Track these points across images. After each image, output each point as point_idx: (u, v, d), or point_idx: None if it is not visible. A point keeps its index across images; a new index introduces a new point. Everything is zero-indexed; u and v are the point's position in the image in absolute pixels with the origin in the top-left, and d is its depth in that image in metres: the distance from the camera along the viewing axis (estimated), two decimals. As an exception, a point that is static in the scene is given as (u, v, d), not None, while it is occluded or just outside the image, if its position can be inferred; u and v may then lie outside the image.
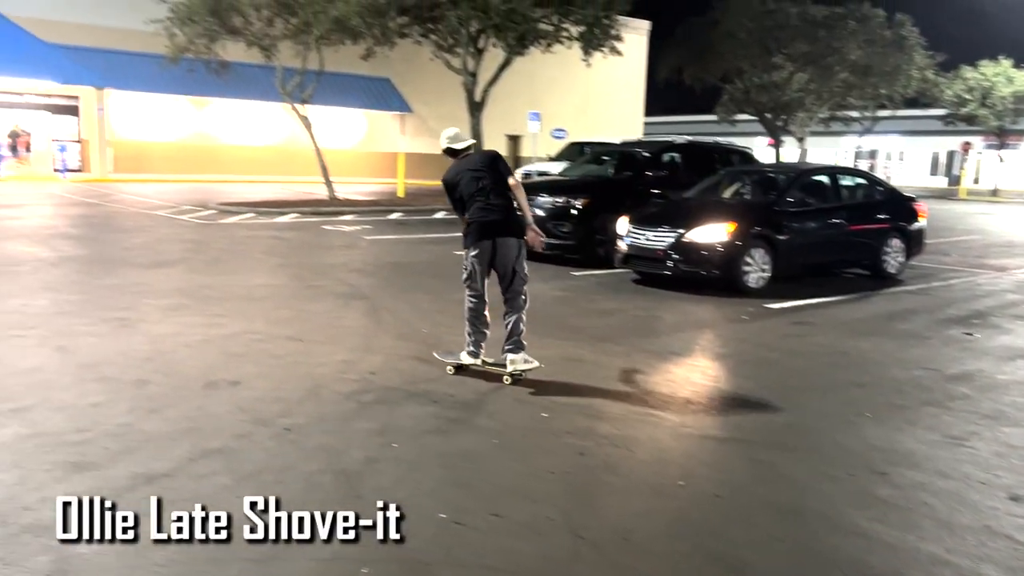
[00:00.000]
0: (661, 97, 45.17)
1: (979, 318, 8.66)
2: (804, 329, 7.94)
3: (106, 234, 13.66)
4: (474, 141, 5.69)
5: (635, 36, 39.55)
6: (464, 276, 5.80)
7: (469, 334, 5.84)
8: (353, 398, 5.17)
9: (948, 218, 23.03)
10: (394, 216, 18.73)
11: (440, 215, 19.34)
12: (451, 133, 5.98)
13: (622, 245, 10.17)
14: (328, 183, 21.60)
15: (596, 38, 23.29)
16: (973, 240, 17.52)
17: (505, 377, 5.65)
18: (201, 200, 20.23)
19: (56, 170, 27.44)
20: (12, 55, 26.41)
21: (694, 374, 6.18)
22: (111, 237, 13.24)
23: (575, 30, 23.56)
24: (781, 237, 9.76)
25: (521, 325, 5.73)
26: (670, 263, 9.60)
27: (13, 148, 27.98)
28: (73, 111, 28.95)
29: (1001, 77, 38.76)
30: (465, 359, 5.85)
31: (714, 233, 9.41)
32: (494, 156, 5.82)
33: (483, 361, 5.84)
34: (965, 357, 6.93)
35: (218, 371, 5.61)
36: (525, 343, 5.73)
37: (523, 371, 5.67)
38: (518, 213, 5.73)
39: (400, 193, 24.23)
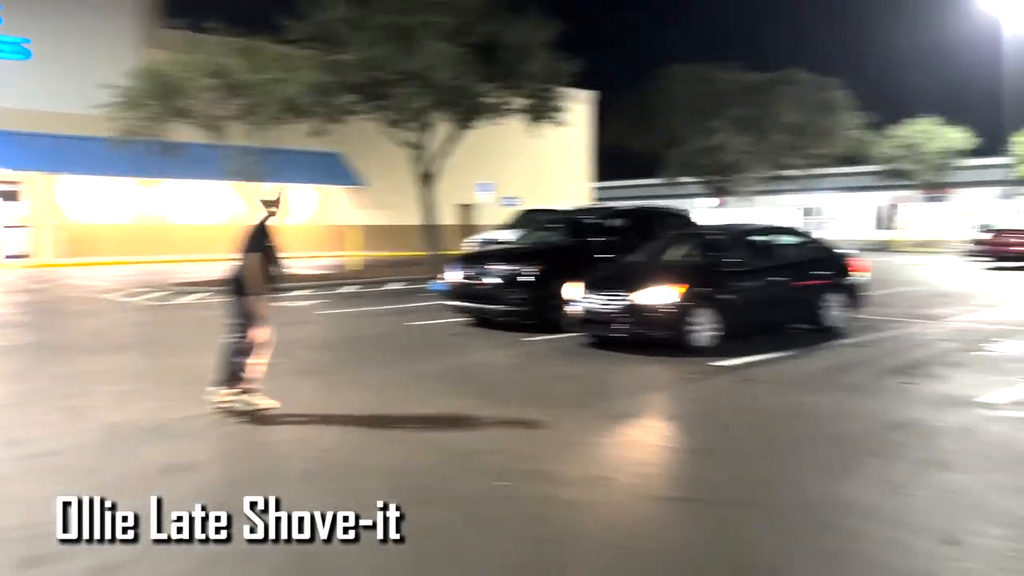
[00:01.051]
0: (611, 162, 46.45)
1: (916, 367, 9.01)
2: (750, 387, 8.16)
3: (54, 319, 13.49)
4: (275, 197, 7.25)
5: (581, 106, 40.77)
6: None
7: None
8: (310, 477, 5.21)
9: (888, 270, 23.80)
10: (347, 289, 18.80)
11: (392, 287, 19.46)
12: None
13: (570, 309, 10.41)
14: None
15: (539, 110, 24.05)
16: (911, 291, 18.15)
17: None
18: (153, 281, 20.07)
19: (8, 256, 26.99)
20: (-44, 143, 26.28)
21: (648, 435, 6.34)
22: (59, 322, 13.07)
23: (519, 103, 24.28)
24: (724, 296, 10.07)
25: (239, 372, 6.65)
26: (621, 325, 9.83)
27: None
28: (19, 196, 28.66)
29: (922, 135, 40.88)
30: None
31: (660, 295, 9.68)
32: (252, 231, 7.01)
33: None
34: (902, 407, 7.23)
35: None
36: (238, 386, 6.64)
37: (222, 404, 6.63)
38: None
39: (355, 266, 24.33)
